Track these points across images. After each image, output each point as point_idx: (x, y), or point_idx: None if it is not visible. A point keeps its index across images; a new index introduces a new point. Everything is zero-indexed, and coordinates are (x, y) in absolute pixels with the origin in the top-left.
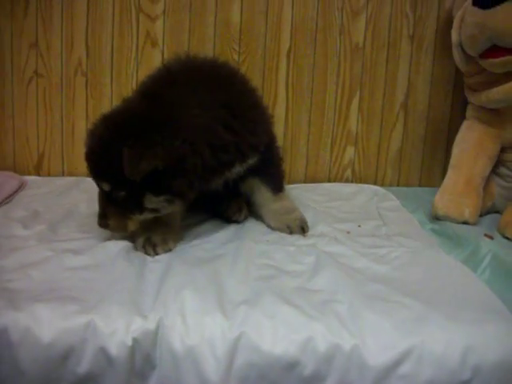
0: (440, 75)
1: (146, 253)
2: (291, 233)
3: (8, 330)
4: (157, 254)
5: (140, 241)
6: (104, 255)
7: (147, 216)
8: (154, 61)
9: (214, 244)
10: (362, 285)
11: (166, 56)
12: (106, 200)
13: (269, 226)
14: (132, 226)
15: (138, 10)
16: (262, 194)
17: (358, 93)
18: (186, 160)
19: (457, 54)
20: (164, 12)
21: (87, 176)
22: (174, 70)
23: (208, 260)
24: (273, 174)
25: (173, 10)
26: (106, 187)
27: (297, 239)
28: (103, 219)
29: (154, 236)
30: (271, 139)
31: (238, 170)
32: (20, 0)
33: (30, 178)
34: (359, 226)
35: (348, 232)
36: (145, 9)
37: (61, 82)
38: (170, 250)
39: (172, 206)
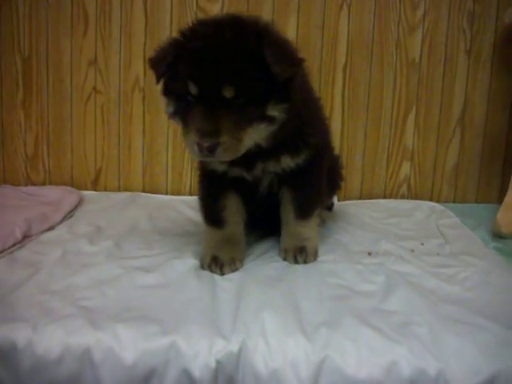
0: (497, 90)
1: (212, 272)
2: (284, 258)
3: (91, 350)
4: (223, 274)
5: (206, 260)
6: (174, 273)
7: (260, 130)
8: None
9: (281, 262)
10: (437, 306)
11: None
12: (217, 111)
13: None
14: (245, 143)
15: None
16: (287, 213)
17: (414, 108)
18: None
19: None
20: None
21: (142, 191)
22: None
23: (279, 279)
24: (306, 196)
25: None
26: (229, 93)
27: (362, 257)
28: (214, 136)
29: (221, 255)
30: (320, 160)
31: (287, 162)
32: (80, 18)
33: (87, 193)
34: (422, 244)
35: (412, 250)
36: None
37: (118, 99)
38: (236, 270)
39: (278, 123)
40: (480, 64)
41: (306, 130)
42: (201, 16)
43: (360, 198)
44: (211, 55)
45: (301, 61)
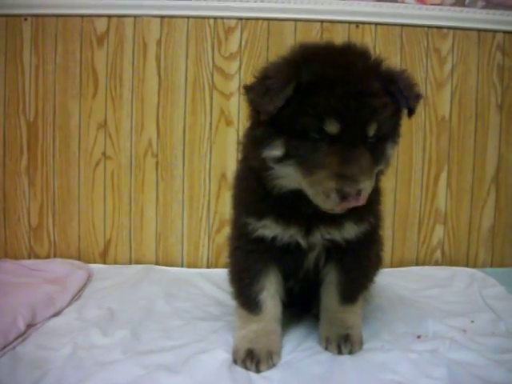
0: None
1: (247, 369)
2: (326, 348)
3: None
4: (259, 372)
5: (240, 354)
6: (203, 373)
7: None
8: (228, 140)
9: (324, 354)
10: None
11: (240, 134)
12: (358, 151)
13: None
14: (369, 188)
15: (211, 87)
16: (330, 296)
17: (445, 167)
18: None
19: None
20: (239, 88)
21: (156, 264)
22: None
23: (326, 377)
24: (355, 279)
25: None
26: (372, 130)
27: (412, 342)
28: (359, 181)
29: (256, 348)
30: (374, 234)
31: (350, 229)
32: (89, 79)
33: (96, 267)
34: (472, 321)
35: (464, 330)
36: (218, 86)
37: (130, 164)
38: (273, 366)
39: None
40: None
41: (373, 193)
42: (218, 76)
43: (391, 266)
44: (356, 87)
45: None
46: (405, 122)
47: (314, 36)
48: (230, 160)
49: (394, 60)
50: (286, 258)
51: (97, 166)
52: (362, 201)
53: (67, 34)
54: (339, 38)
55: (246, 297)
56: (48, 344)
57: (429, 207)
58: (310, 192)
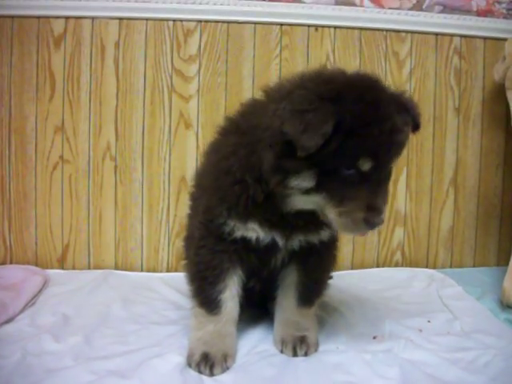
0: (489, 148)
1: (200, 372)
2: (281, 351)
3: None
4: (212, 375)
5: (196, 358)
6: (154, 377)
7: None
8: (187, 143)
9: (279, 356)
10: None
11: (200, 137)
12: (383, 184)
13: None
14: None
15: (170, 89)
16: (287, 298)
17: (404, 170)
18: None
19: None
20: (198, 91)
21: (115, 269)
22: None
23: (278, 379)
24: (315, 282)
25: (207, 89)
26: (394, 164)
27: (368, 343)
28: (383, 213)
29: (212, 351)
30: (335, 240)
31: (325, 234)
32: (46, 81)
33: (53, 272)
34: (429, 321)
35: (420, 330)
36: (177, 88)
37: (88, 168)
38: (227, 369)
39: None
40: (470, 122)
41: None
42: (177, 79)
43: (352, 268)
44: (388, 126)
45: None
46: None
47: (273, 39)
48: (189, 163)
49: (353, 63)
50: (254, 257)
51: (54, 169)
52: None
53: (23, 36)
54: (298, 41)
55: (207, 296)
56: None
57: (388, 209)
58: (338, 221)
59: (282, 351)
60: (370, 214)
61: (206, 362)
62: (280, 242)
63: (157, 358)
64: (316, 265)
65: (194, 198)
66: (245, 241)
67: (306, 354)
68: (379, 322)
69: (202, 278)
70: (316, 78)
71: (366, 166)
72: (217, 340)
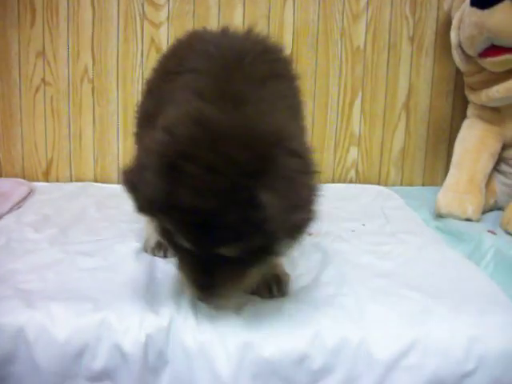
0: (440, 76)
1: (155, 255)
2: (253, 292)
3: (24, 329)
4: (166, 257)
5: (151, 244)
6: (115, 257)
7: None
8: None
9: None
10: (367, 280)
11: None
12: (211, 264)
13: None
14: (248, 284)
15: (142, 17)
16: None
17: (359, 94)
18: None
19: (456, 55)
20: (168, 18)
21: (94, 181)
22: None
23: None
24: None
25: (177, 17)
26: (231, 252)
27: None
28: (210, 289)
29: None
30: None
31: None
32: (27, 10)
33: (39, 184)
34: (363, 224)
35: (353, 231)
36: (149, 16)
37: (68, 90)
38: None
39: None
40: (423, 51)
41: None
42: (148, 7)
43: None
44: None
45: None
46: (322, 50)
47: None
48: None
49: None
50: None
51: (37, 91)
52: (216, 304)
53: None
54: None
55: None
56: None
57: (344, 130)
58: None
59: (253, 293)
60: (195, 289)
61: (160, 247)
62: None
63: (119, 244)
64: None
65: None
66: None
67: (283, 295)
68: (319, 223)
69: None
70: None
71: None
72: None
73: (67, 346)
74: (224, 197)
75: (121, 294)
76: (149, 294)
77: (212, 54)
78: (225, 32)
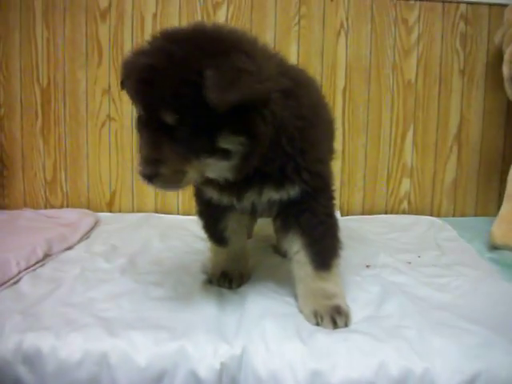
0: (492, 108)
1: (220, 286)
2: (317, 323)
3: (107, 354)
4: (231, 289)
5: (216, 275)
6: (182, 287)
7: (210, 164)
8: None
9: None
10: (426, 312)
11: None
12: (159, 138)
13: (299, 309)
14: (190, 177)
15: None
16: (301, 266)
17: (411, 127)
18: (269, 104)
19: (508, 88)
20: None
21: (155, 212)
22: None
23: (280, 290)
24: (321, 239)
25: None
26: (170, 119)
27: (361, 270)
28: (153, 165)
29: (229, 271)
30: (326, 179)
31: (272, 194)
32: (94, 50)
33: (103, 215)
34: (419, 256)
35: (409, 262)
36: None
37: (131, 125)
38: (242, 284)
39: (236, 158)
40: (474, 83)
41: (295, 162)
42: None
43: (362, 214)
44: (149, 70)
45: (258, 89)
46: (375, 85)
47: (292, 9)
48: None
49: (364, 30)
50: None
51: (102, 126)
52: (158, 185)
53: (74, 9)
54: (315, 10)
55: (214, 236)
56: (61, 268)
57: (396, 162)
58: None
59: (317, 324)
60: (140, 163)
61: (225, 278)
62: (236, 204)
63: (186, 276)
64: (313, 223)
65: None
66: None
67: (346, 325)
68: (375, 255)
69: (206, 224)
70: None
71: (139, 110)
72: (232, 263)
73: (147, 372)
74: (175, 62)
75: (193, 324)
76: (220, 324)
77: None
78: None
